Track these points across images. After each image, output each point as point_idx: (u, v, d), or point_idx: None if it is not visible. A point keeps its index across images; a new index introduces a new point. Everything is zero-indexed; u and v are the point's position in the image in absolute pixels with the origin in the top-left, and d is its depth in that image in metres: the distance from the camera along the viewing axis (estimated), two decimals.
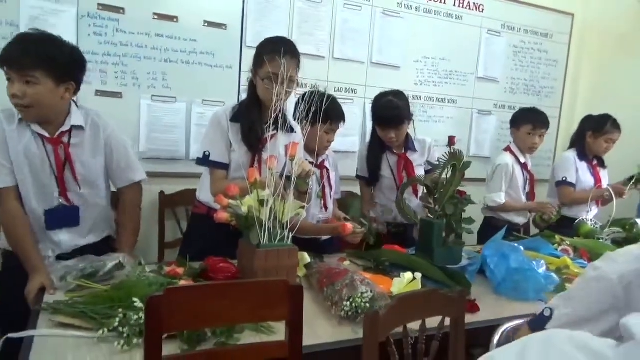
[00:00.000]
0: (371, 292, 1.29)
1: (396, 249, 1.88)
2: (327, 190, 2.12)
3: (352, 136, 2.98)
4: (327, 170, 2.14)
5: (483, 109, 3.45)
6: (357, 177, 2.40)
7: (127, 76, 2.39)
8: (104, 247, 1.67)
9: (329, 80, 2.89)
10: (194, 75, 2.52)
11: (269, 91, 1.62)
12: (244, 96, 1.87)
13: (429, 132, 2.86)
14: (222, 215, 1.45)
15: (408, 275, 1.45)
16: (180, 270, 1.45)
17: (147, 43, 2.41)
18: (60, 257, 1.54)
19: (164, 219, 2.57)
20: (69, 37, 2.05)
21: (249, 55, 1.78)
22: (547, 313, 0.85)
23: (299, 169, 1.49)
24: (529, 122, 2.63)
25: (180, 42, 2.48)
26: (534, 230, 2.74)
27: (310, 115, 1.65)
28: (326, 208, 2.13)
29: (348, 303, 1.27)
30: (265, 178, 1.43)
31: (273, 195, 1.39)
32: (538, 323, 0.85)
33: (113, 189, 1.75)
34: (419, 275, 1.48)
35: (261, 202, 1.40)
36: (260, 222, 1.38)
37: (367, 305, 1.27)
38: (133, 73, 2.40)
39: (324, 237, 2.13)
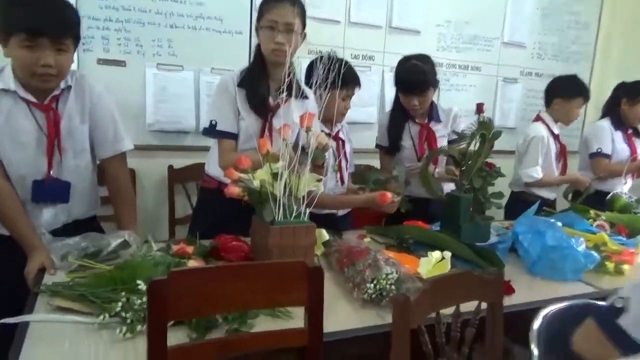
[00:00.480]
0: (396, 272, 1.18)
1: (419, 225, 1.76)
2: (343, 163, 2.00)
3: (370, 106, 2.82)
4: (343, 142, 2.01)
5: (509, 76, 3.25)
6: (377, 145, 2.26)
7: (130, 43, 2.26)
8: (88, 227, 1.48)
9: (345, 46, 2.72)
10: (201, 41, 2.38)
11: (270, 39, 1.56)
12: None
13: (451, 101, 2.70)
14: (233, 190, 1.33)
15: (436, 254, 1.32)
16: (189, 249, 1.35)
17: (151, 7, 2.27)
18: None
19: (174, 194, 2.48)
20: None
21: None
22: (618, 304, 0.71)
23: (315, 141, 1.37)
24: (581, 94, 2.45)
25: (186, 6, 2.33)
26: (560, 205, 2.58)
27: (326, 81, 1.51)
28: (342, 181, 2.01)
29: (372, 285, 1.16)
30: (278, 149, 1.30)
31: (287, 168, 1.27)
32: (607, 316, 0.72)
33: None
34: (448, 254, 1.35)
35: (274, 176, 1.28)
36: (274, 197, 1.26)
37: (393, 287, 1.15)
38: (137, 40, 2.27)
39: (341, 212, 2.02)
